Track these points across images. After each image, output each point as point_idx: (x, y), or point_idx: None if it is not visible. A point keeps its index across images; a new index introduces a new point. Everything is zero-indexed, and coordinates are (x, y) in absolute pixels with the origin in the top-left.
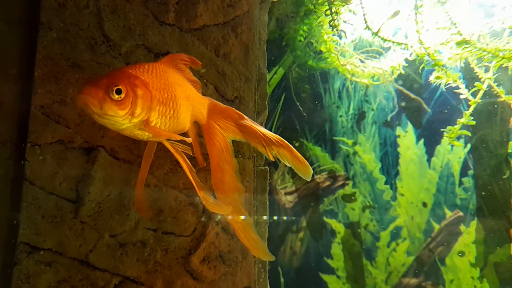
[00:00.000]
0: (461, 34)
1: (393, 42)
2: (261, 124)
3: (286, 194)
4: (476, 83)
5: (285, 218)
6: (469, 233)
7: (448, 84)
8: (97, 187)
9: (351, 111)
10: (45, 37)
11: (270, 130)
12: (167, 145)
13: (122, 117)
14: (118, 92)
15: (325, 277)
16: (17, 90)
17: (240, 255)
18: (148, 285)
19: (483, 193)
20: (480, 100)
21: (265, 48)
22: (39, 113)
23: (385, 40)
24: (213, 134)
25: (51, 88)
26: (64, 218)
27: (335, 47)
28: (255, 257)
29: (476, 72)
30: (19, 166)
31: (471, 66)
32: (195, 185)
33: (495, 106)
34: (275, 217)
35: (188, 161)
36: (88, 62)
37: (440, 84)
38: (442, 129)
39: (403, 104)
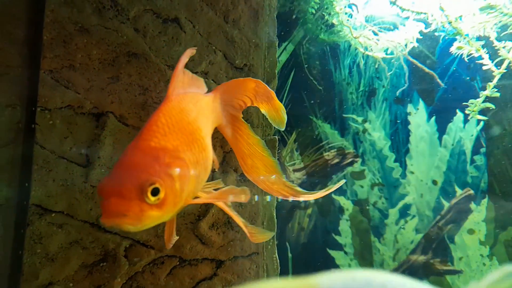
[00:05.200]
0: None
1: (412, 11)
2: None
3: (294, 171)
4: (501, 52)
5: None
6: (480, 211)
7: (471, 54)
8: (106, 152)
9: (361, 88)
10: (52, 0)
11: None
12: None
13: (165, 216)
14: (155, 192)
15: (333, 253)
16: (25, 53)
17: (249, 221)
18: (157, 248)
19: (495, 171)
20: (505, 70)
21: (275, 15)
22: (48, 77)
23: (403, 9)
24: (232, 126)
25: (59, 52)
26: (74, 181)
27: (348, 20)
28: (264, 224)
29: (495, 46)
30: (30, 130)
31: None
32: (240, 224)
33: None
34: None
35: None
36: (96, 26)
37: (453, 60)
38: (464, 103)
39: (415, 80)
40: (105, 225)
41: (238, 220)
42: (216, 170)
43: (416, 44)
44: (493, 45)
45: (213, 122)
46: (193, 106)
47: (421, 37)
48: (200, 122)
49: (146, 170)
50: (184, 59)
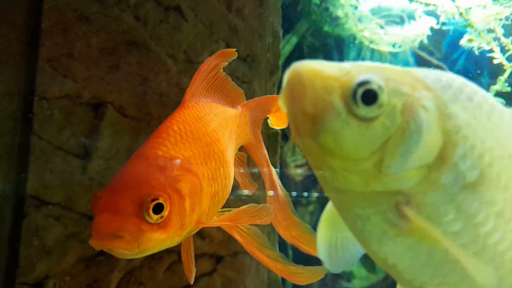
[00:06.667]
0: None
1: (421, 3)
2: (273, 86)
3: (296, 166)
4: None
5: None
6: None
7: (480, 47)
8: (105, 143)
9: None
10: None
11: None
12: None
13: (170, 239)
14: (158, 209)
15: None
16: (24, 41)
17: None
18: None
19: None
20: None
21: (280, 4)
22: (47, 66)
23: (412, 0)
24: (259, 145)
25: (58, 40)
26: (72, 173)
27: (353, 12)
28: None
29: (503, 43)
30: (27, 120)
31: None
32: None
33: None
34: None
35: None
36: (96, 14)
37: (460, 55)
38: None
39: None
40: (97, 247)
41: (274, 265)
42: (250, 194)
43: (425, 40)
44: (501, 41)
45: (238, 138)
46: (214, 117)
47: (430, 33)
48: (221, 135)
49: (148, 182)
50: (211, 60)
